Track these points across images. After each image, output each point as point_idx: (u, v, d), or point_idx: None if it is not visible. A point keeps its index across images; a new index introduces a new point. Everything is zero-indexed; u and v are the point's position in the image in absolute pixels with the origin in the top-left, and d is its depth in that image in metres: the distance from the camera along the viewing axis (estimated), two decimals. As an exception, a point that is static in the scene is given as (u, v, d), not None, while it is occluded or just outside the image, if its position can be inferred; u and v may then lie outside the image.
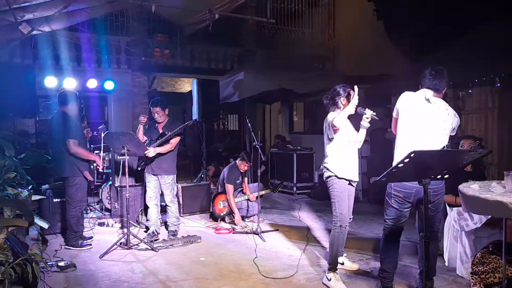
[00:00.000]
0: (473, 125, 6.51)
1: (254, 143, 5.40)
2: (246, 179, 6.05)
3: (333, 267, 3.63)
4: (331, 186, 3.67)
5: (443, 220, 4.22)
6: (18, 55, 8.07)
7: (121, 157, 5.68)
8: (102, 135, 4.76)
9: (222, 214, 5.86)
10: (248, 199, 5.86)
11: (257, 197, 5.61)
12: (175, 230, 5.10)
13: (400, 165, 2.46)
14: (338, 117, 3.51)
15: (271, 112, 11.64)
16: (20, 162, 4.62)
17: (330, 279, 3.58)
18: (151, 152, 4.78)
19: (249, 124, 5.60)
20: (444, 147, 3.38)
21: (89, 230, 5.26)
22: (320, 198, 7.55)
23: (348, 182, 3.69)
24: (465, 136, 4.19)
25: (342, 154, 3.66)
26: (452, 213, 3.98)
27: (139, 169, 5.06)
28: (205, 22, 8.01)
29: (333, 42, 10.79)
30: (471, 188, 3.08)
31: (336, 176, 3.64)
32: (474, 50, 6.13)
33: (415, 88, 3.45)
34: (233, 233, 5.33)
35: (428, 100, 3.17)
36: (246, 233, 5.25)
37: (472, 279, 3.38)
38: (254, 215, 5.74)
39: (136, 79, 9.57)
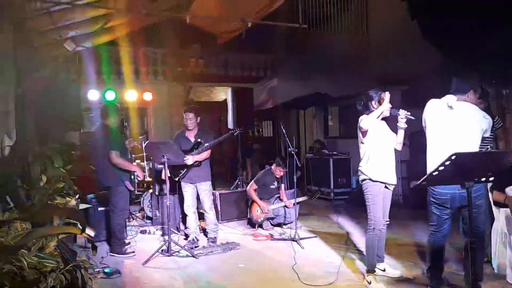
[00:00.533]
0: (518, 125, 6.21)
1: (289, 149, 5.41)
2: (282, 185, 6.07)
3: (371, 269, 3.68)
4: (366, 189, 3.71)
5: (490, 224, 4.05)
6: (63, 70, 8.51)
7: (160, 166, 5.85)
8: (143, 145, 4.92)
9: (259, 220, 5.89)
10: (285, 206, 5.86)
11: (294, 204, 5.61)
12: (215, 237, 5.17)
13: (441, 168, 2.41)
14: (366, 119, 3.59)
15: (305, 117, 11.59)
16: (67, 172, 4.86)
17: (370, 281, 3.60)
18: (189, 160, 4.89)
19: (283, 130, 5.62)
20: (487, 148, 3.31)
21: (131, 238, 5.43)
22: (358, 203, 7.39)
23: (383, 185, 3.67)
24: None
25: (375, 157, 3.66)
26: (500, 216, 3.81)
27: (178, 179, 5.14)
28: (239, 30, 8.14)
29: (367, 44, 10.62)
30: (519, 191, 2.96)
31: (370, 179, 3.66)
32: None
33: (456, 89, 3.38)
34: (271, 239, 5.34)
35: (450, 106, 3.18)
36: (284, 239, 5.25)
37: (524, 286, 3.23)
38: (291, 222, 5.73)
39: (173, 89, 9.84)
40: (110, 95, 7.99)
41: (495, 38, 6.40)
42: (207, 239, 5.19)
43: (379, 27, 10.08)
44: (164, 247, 4.75)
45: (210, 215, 5.19)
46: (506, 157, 2.52)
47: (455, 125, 3.15)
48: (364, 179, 3.71)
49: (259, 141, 11.85)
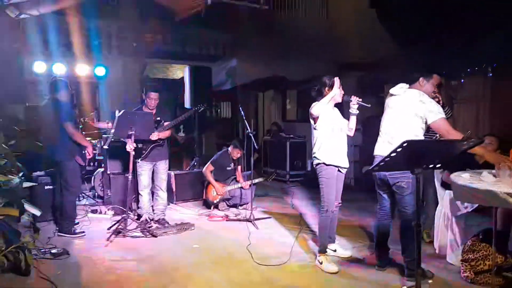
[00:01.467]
0: (464, 115, 6.56)
1: (247, 131, 5.39)
2: (239, 167, 6.07)
3: (322, 249, 3.80)
4: (320, 172, 3.81)
5: (434, 207, 4.30)
6: (6, 39, 7.88)
7: (115, 142, 5.66)
8: (117, 114, 4.67)
9: (215, 201, 5.87)
10: (241, 187, 5.87)
11: (250, 185, 5.63)
12: (164, 219, 5.12)
13: (392, 155, 2.48)
14: (316, 106, 3.69)
15: (264, 100, 11.60)
16: (10, 148, 4.57)
17: (322, 262, 3.71)
18: (155, 136, 4.80)
19: (242, 112, 5.58)
20: (436, 137, 3.49)
21: (82, 217, 5.24)
22: (312, 186, 7.57)
23: (337, 168, 3.78)
24: (489, 134, 4.29)
25: (328, 142, 3.76)
26: (445, 198, 4.02)
27: (141, 157, 4.98)
28: (199, 7, 7.90)
29: (327, 29, 10.70)
30: (462, 177, 3.13)
31: (324, 163, 3.75)
32: (467, 39, 6.14)
33: (406, 76, 3.55)
34: (226, 220, 5.35)
35: (391, 94, 3.48)
36: (239, 220, 5.28)
37: (462, 266, 3.45)
38: (247, 203, 5.76)
39: (128, 65, 9.43)
40: (59, 68, 7.54)
41: (446, 29, 6.69)
42: (157, 220, 5.10)
43: (339, 12, 10.17)
44: (120, 227, 4.62)
45: (164, 195, 5.11)
46: (455, 145, 2.64)
47: (390, 110, 3.45)
48: (318, 163, 3.79)
49: (218, 121, 11.75)
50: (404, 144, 2.40)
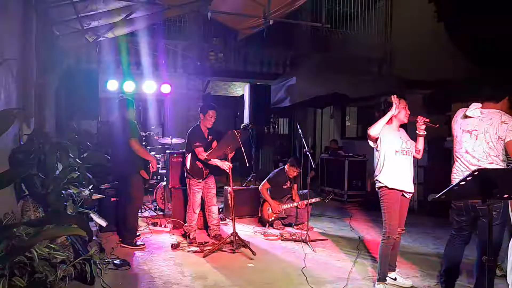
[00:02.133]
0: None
1: (304, 150, 5.34)
2: (295, 185, 6.02)
3: (382, 277, 3.63)
4: (382, 197, 3.65)
5: (508, 238, 3.93)
6: (83, 60, 8.59)
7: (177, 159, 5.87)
8: (231, 133, 4.78)
9: (270, 219, 5.85)
10: (297, 207, 5.80)
11: (306, 205, 5.54)
12: (220, 234, 5.18)
13: (462, 183, 2.32)
14: (373, 127, 3.55)
15: (322, 117, 11.46)
16: (82, 162, 4.92)
17: None
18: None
19: (299, 130, 5.55)
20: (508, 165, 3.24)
21: (143, 229, 5.47)
22: (372, 207, 7.30)
23: (400, 193, 3.61)
24: None
25: (391, 165, 3.59)
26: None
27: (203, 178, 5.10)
28: (260, 27, 8.04)
29: (390, 45, 10.43)
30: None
31: (386, 186, 3.59)
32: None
33: (476, 95, 3.33)
34: (281, 239, 5.30)
35: (465, 115, 3.24)
36: (295, 240, 5.20)
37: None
38: (303, 223, 5.67)
39: (191, 82, 9.84)
40: (129, 86, 8.03)
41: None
42: (214, 236, 5.16)
43: (404, 28, 9.86)
44: (176, 242, 4.78)
45: (216, 210, 5.20)
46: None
47: (468, 133, 3.20)
48: (381, 187, 3.64)
49: (275, 138, 11.80)
50: (475, 173, 2.25)
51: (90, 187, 4.74)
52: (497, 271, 4.02)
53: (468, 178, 2.27)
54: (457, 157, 3.30)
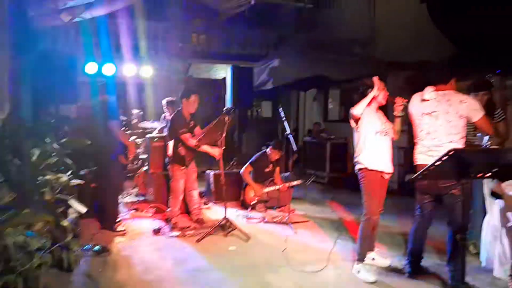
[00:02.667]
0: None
1: (286, 133, 5.35)
2: (277, 168, 6.04)
3: (361, 258, 3.69)
4: (362, 178, 3.68)
5: (482, 217, 4.04)
6: (61, 42, 8.34)
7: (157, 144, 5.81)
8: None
9: (253, 202, 5.88)
10: (279, 189, 5.84)
11: (288, 187, 5.58)
12: (202, 219, 5.18)
13: (437, 163, 2.36)
14: (357, 107, 3.56)
15: (305, 99, 11.45)
16: (61, 147, 4.83)
17: (359, 270, 3.62)
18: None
19: (282, 113, 5.53)
20: (486, 145, 3.34)
21: (124, 215, 5.43)
22: (353, 189, 7.39)
23: (380, 174, 3.64)
24: None
25: (371, 146, 3.63)
26: (494, 208, 3.77)
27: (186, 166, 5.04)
28: (242, 8, 7.92)
29: (373, 26, 10.37)
30: (515, 187, 2.91)
31: (367, 168, 3.62)
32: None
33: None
34: (263, 222, 5.34)
35: (423, 99, 3.35)
36: (277, 223, 5.25)
37: (511, 282, 3.22)
38: (285, 205, 5.71)
39: (173, 65, 9.67)
40: (108, 69, 7.85)
41: (505, 26, 6.24)
42: (196, 220, 5.16)
43: (387, 9, 9.81)
44: (157, 227, 4.76)
45: (197, 194, 5.20)
46: (504, 155, 2.46)
47: (428, 115, 3.31)
48: (361, 168, 3.68)
49: (258, 121, 11.77)
50: (450, 153, 2.28)
51: (68, 173, 4.67)
52: (471, 249, 4.14)
53: (444, 158, 2.30)
54: (419, 138, 3.40)
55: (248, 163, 6.00)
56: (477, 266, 3.82)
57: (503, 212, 3.63)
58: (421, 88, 3.60)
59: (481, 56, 6.29)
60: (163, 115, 7.18)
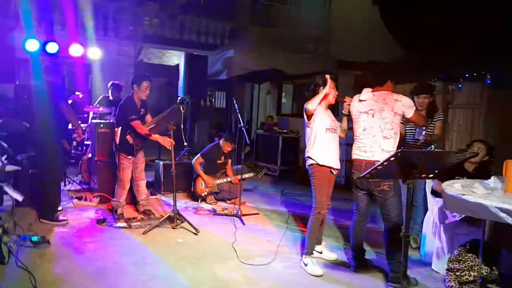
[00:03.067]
0: (460, 120, 6.52)
1: (239, 125, 5.30)
2: (229, 161, 5.99)
3: (309, 251, 3.74)
4: (312, 173, 3.75)
5: (423, 213, 4.27)
6: (-2, 15, 7.68)
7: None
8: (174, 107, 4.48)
9: (203, 194, 5.80)
10: (230, 181, 5.80)
11: (240, 180, 5.55)
12: (150, 210, 5.04)
13: (385, 163, 2.43)
14: (311, 102, 3.63)
15: (259, 92, 11.48)
16: (-5, 129, 4.47)
17: (307, 264, 3.67)
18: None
19: (236, 105, 5.48)
20: (431, 147, 3.54)
21: (66, 204, 5.14)
22: (303, 182, 7.53)
23: (329, 169, 3.73)
24: (479, 140, 4.22)
25: (322, 142, 3.71)
26: (434, 206, 3.98)
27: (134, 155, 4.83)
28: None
29: (328, 25, 10.59)
30: (454, 187, 3.08)
31: (317, 163, 3.69)
32: (467, 46, 6.08)
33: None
34: (213, 214, 5.29)
35: (360, 100, 3.52)
36: (227, 215, 5.22)
37: (447, 275, 3.42)
38: (236, 198, 5.69)
39: (123, 48, 9.27)
40: (52, 47, 7.34)
41: (450, 33, 6.61)
42: (143, 211, 5.00)
43: (342, 8, 10.04)
44: (101, 218, 4.55)
45: (145, 184, 5.03)
46: (448, 157, 2.59)
47: (365, 113, 3.47)
48: (311, 164, 3.73)
49: (211, 111, 11.63)
50: (398, 154, 2.36)
51: (3, 158, 4.32)
52: (412, 243, 4.37)
53: (392, 159, 2.37)
54: (356, 135, 3.57)
55: (199, 154, 5.90)
56: (417, 260, 4.02)
57: (442, 209, 3.86)
58: (370, 88, 3.73)
59: (427, 60, 6.62)
60: (101, 96, 6.88)
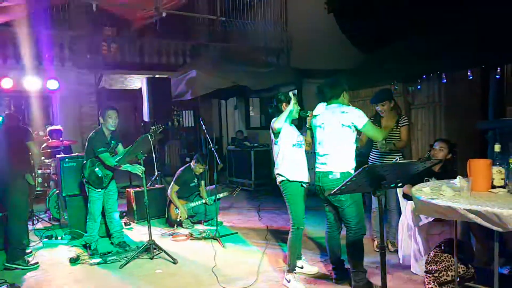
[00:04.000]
0: (422, 119, 6.73)
1: (209, 146, 5.27)
2: (203, 182, 5.93)
3: (291, 268, 3.73)
4: (285, 190, 3.77)
5: (397, 217, 4.35)
6: None
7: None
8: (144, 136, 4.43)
9: (179, 219, 5.69)
10: (205, 203, 5.73)
11: (214, 200, 5.50)
12: (124, 242, 4.92)
13: (354, 179, 2.47)
14: (278, 120, 3.65)
15: (227, 107, 11.48)
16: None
17: (290, 280, 3.65)
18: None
19: (203, 126, 5.44)
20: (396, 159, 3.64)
21: (35, 244, 4.92)
22: (278, 195, 7.53)
23: (300, 184, 3.75)
24: (440, 139, 4.33)
25: (290, 158, 3.74)
26: (407, 209, 4.07)
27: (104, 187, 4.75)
28: (151, 18, 7.67)
29: (286, 36, 10.74)
30: (423, 191, 3.15)
31: (288, 180, 3.71)
32: (423, 47, 6.30)
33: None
34: (190, 239, 5.19)
35: (314, 116, 3.60)
36: (205, 238, 5.13)
37: (426, 278, 3.48)
38: (212, 219, 5.62)
39: (83, 77, 9.06)
40: (6, 82, 7.12)
41: (405, 36, 6.83)
42: (118, 244, 4.86)
43: (298, 18, 10.21)
44: (75, 256, 4.39)
45: (118, 215, 4.93)
46: (412, 167, 2.67)
47: (319, 127, 3.55)
48: (282, 180, 3.74)
49: (180, 131, 11.51)
50: (366, 169, 2.39)
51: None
52: (390, 247, 4.43)
53: (359, 174, 2.41)
54: (315, 148, 3.67)
55: (173, 182, 5.77)
56: (396, 264, 4.08)
57: (414, 211, 3.94)
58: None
59: (385, 63, 6.81)
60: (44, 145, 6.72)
